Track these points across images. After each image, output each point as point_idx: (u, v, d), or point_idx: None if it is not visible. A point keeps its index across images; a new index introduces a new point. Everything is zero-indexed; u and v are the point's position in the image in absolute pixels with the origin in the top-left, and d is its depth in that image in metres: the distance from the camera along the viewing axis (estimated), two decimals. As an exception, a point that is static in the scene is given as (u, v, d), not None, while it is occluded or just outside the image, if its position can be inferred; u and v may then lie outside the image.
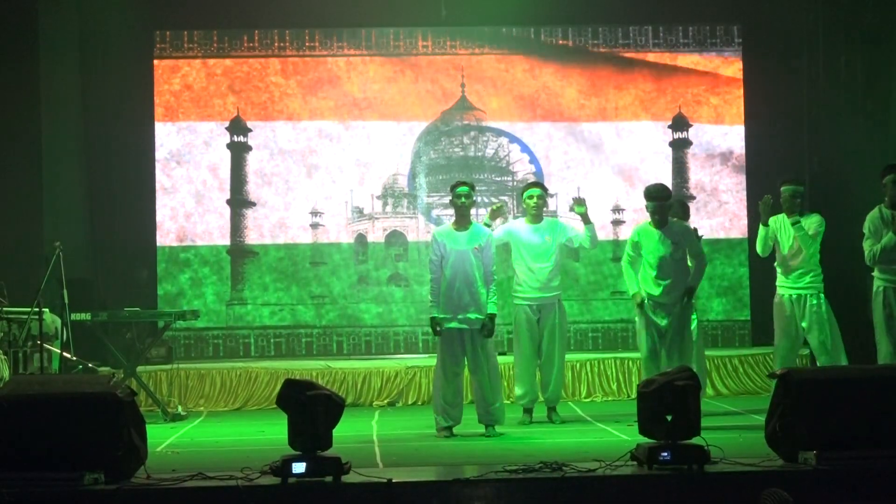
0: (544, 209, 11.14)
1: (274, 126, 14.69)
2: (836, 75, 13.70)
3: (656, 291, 10.27)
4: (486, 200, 14.70)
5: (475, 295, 9.97)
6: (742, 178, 14.79)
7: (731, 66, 14.90)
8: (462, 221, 10.14)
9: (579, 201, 10.81)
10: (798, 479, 7.25)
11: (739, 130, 14.83)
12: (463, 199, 10.09)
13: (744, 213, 14.73)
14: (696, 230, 11.13)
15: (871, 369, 9.07)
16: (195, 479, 7.23)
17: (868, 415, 7.53)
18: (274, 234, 14.61)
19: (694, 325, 10.81)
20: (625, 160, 14.79)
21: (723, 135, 14.85)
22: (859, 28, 13.13)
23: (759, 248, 10.67)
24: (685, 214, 11.51)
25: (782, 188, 10.60)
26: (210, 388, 12.97)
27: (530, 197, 10.84)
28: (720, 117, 14.86)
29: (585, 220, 10.83)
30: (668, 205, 10.43)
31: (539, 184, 11.33)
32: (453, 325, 10.01)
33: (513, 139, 14.79)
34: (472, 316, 9.98)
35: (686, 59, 14.90)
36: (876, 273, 9.96)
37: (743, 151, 14.79)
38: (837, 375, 8.24)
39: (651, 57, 14.88)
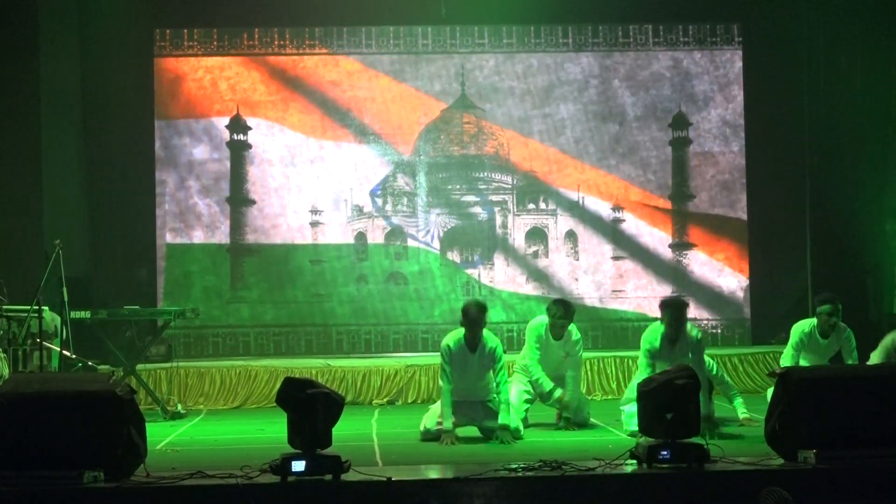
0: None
1: (273, 124, 14.68)
2: (836, 73, 13.70)
3: None
4: (486, 199, 14.71)
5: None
6: (742, 176, 14.77)
7: (732, 65, 14.88)
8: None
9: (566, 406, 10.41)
10: (797, 478, 7.27)
11: (740, 129, 14.81)
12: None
13: (744, 212, 14.71)
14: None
15: (869, 369, 9.11)
16: (195, 478, 7.24)
17: (867, 414, 7.55)
18: (273, 233, 14.60)
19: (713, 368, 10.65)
20: (627, 158, 14.78)
21: (723, 133, 14.84)
22: (859, 27, 13.14)
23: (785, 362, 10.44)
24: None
25: (819, 308, 10.31)
26: (210, 387, 12.96)
27: (553, 316, 10.45)
28: (721, 116, 14.85)
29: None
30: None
31: (564, 301, 10.77)
32: None
33: (513, 137, 14.78)
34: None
35: (686, 58, 14.89)
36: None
37: (743, 149, 14.78)
38: (836, 375, 8.25)
39: (652, 55, 14.87)
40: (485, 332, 9.73)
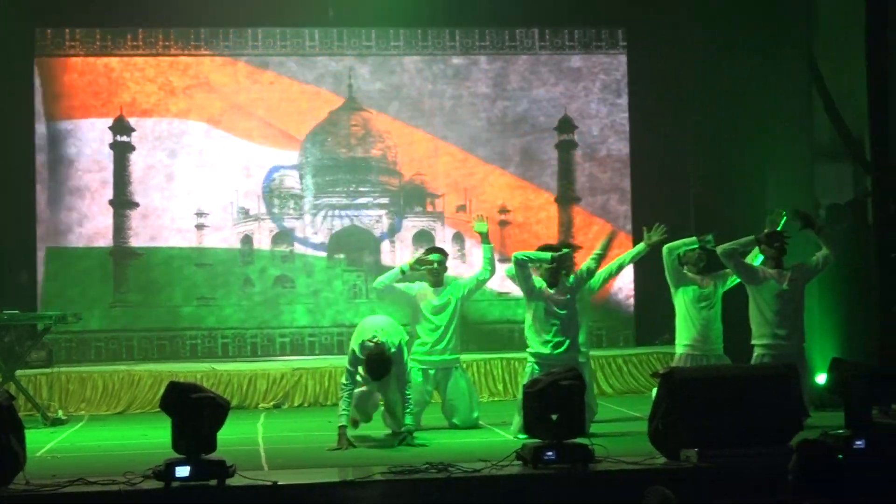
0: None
1: (158, 126, 14.51)
2: (719, 81, 13.94)
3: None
4: (374, 202, 14.71)
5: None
6: (627, 179, 14.97)
7: (617, 69, 15.08)
8: None
9: (480, 220, 10.85)
10: (680, 476, 7.41)
11: (624, 132, 15.01)
12: None
13: (628, 213, 14.91)
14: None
15: (747, 368, 9.31)
16: (76, 485, 7.14)
17: (745, 413, 7.72)
18: (158, 236, 14.42)
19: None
20: (513, 161, 14.88)
21: (608, 137, 15.03)
22: (742, 35, 13.37)
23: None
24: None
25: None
26: (92, 392, 12.76)
27: (431, 262, 10.81)
28: (606, 119, 15.04)
29: (485, 239, 10.91)
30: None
31: (439, 249, 11.20)
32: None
33: (401, 140, 14.80)
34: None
35: (573, 61, 15.05)
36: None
37: (628, 152, 14.97)
38: (717, 375, 8.43)
39: (539, 59, 15.00)
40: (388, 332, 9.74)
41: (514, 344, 14.11)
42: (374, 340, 9.43)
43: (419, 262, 10.84)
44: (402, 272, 10.80)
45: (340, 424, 9.46)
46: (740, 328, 10.48)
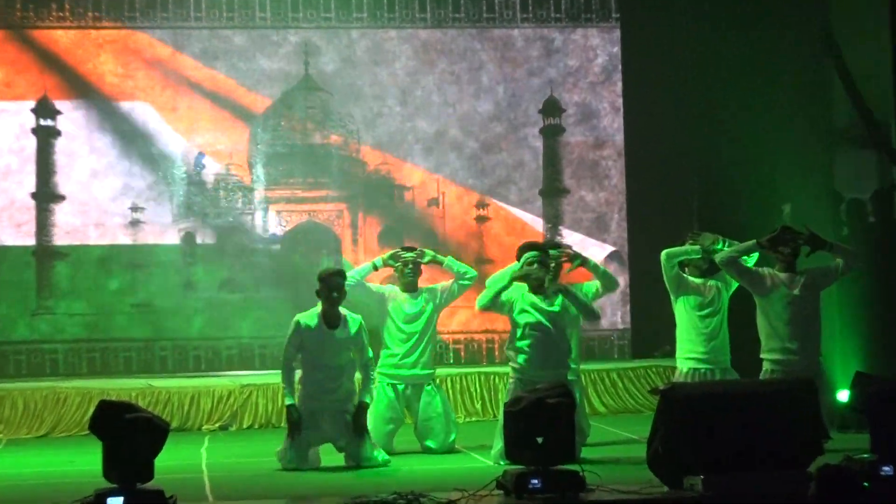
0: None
1: (88, 108, 14.44)
2: (725, 57, 13.96)
3: None
4: (334, 195, 14.67)
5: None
6: (622, 168, 14.97)
7: (609, 45, 15.09)
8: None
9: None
10: (683, 507, 7.38)
11: (618, 114, 15.02)
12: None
13: (623, 206, 14.91)
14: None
15: (759, 383, 9.30)
16: (-9, 520, 7.08)
17: (756, 434, 7.69)
18: (87, 233, 14.36)
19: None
20: (493, 148, 14.87)
21: (600, 120, 15.03)
22: (750, 5, 13.40)
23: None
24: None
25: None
26: (10, 412, 12.71)
27: (404, 263, 10.81)
28: (597, 101, 15.04)
29: (437, 260, 10.90)
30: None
31: (413, 248, 11.06)
32: None
33: (365, 124, 14.77)
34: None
35: (558, 36, 15.05)
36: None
37: (622, 138, 14.98)
38: (724, 391, 8.40)
39: (519, 33, 15.00)
40: (346, 311, 9.93)
41: (493, 356, 14.12)
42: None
43: (394, 257, 10.83)
44: (375, 267, 10.82)
45: (287, 404, 9.70)
46: (750, 337, 10.45)
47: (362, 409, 9.78)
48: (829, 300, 11.03)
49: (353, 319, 9.90)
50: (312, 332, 9.81)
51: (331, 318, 9.84)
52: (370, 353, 10.00)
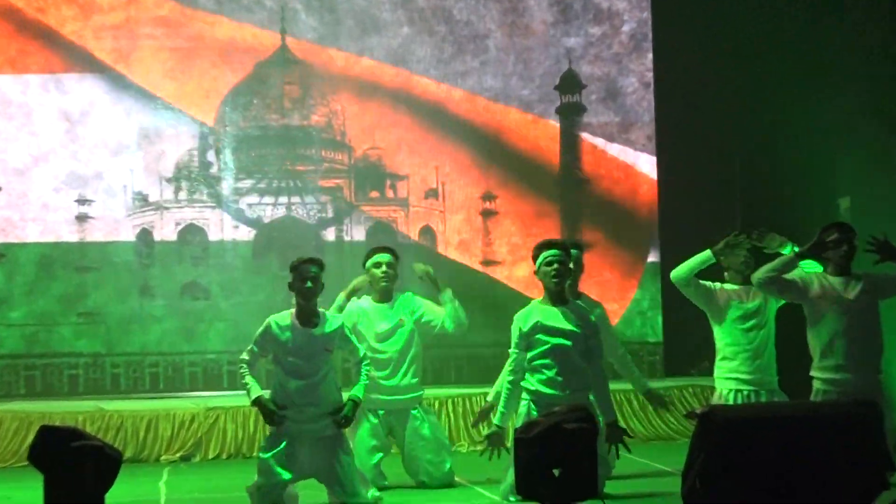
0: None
1: (19, 82, 14.47)
2: (773, 26, 14.00)
3: None
4: (315, 185, 14.69)
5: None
6: (652, 153, 15.00)
7: (636, 8, 15.11)
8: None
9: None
10: (724, 550, 7.40)
11: (648, 93, 15.05)
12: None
13: (653, 200, 14.94)
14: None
15: (812, 406, 9.31)
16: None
17: (809, 466, 7.71)
18: (26, 229, 14.39)
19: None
20: (501, 130, 14.91)
21: (626, 99, 15.07)
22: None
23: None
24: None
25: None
26: (-63, 440, 12.78)
27: (377, 265, 10.79)
28: (624, 76, 15.08)
29: (435, 285, 11.04)
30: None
31: (389, 248, 11.07)
32: None
33: (351, 102, 14.80)
34: None
35: (578, 4, 15.09)
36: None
37: (653, 119, 15.01)
38: (771, 415, 8.42)
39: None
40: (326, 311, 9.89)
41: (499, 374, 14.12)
42: None
43: (375, 264, 10.80)
44: (340, 309, 10.71)
45: (254, 397, 9.61)
46: (800, 353, 10.45)
47: (354, 404, 9.66)
48: (891, 307, 11.00)
49: (332, 318, 9.83)
50: (286, 332, 9.69)
51: (306, 315, 9.69)
52: (361, 352, 9.92)
